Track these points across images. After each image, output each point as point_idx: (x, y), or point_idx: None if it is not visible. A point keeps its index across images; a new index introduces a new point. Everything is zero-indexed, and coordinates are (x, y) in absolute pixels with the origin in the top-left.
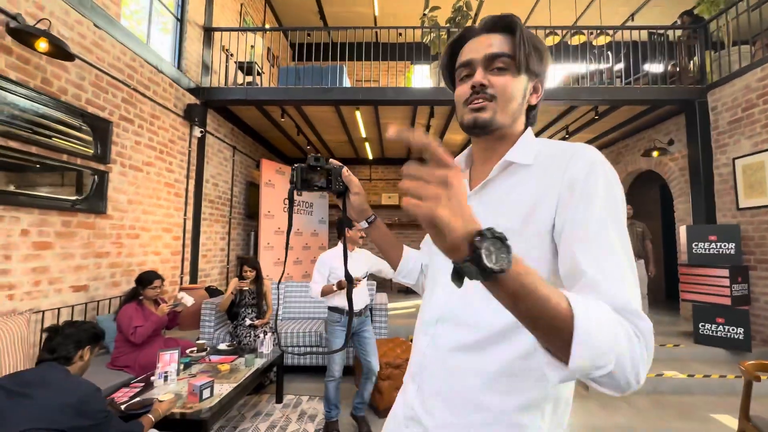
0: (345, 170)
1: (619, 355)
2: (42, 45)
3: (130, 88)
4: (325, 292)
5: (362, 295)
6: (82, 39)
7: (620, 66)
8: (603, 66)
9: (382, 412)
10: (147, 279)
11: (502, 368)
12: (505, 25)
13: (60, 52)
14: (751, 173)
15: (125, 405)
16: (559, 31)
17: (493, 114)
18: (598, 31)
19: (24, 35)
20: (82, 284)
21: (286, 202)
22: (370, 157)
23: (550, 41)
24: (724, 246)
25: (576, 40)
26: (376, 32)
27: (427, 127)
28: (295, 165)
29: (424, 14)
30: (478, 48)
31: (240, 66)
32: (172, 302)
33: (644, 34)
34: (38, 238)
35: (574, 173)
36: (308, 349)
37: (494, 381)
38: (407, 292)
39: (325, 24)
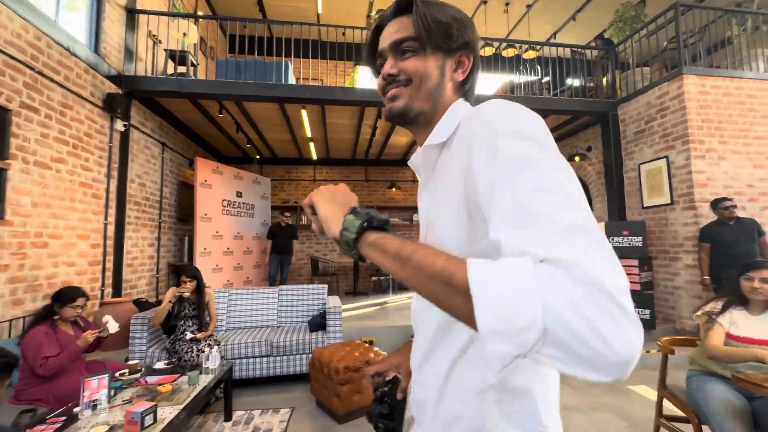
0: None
1: (551, 303)
2: None
3: (34, 71)
4: None
5: None
6: None
7: (547, 78)
8: (533, 78)
9: (342, 417)
10: (68, 296)
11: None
12: (406, 5)
13: None
14: (652, 177)
15: None
16: (494, 43)
17: (407, 100)
18: (527, 46)
19: None
20: None
21: (224, 204)
22: (315, 157)
23: (488, 51)
24: (634, 239)
25: (509, 53)
26: (319, 30)
27: (374, 128)
28: None
29: (369, 15)
30: (386, 36)
31: (171, 55)
32: (98, 330)
33: (568, 51)
34: None
35: (471, 136)
36: (265, 360)
37: (451, 376)
38: (354, 293)
39: (264, 16)
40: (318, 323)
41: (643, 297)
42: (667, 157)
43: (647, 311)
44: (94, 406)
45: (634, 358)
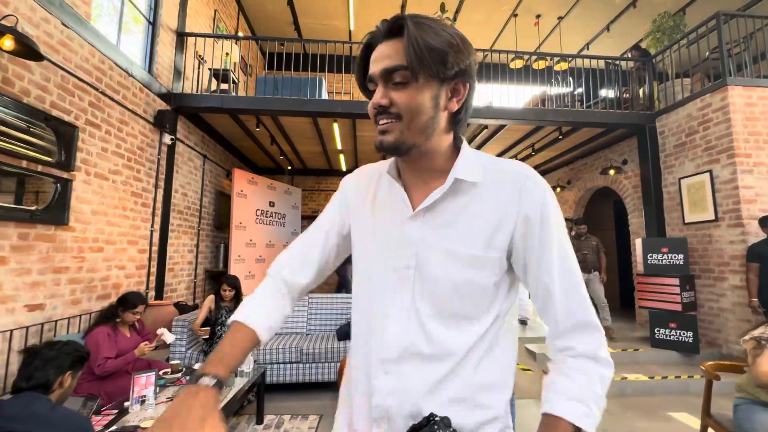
0: None
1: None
2: (7, 43)
3: (98, 92)
4: None
5: None
6: (48, 38)
7: (580, 90)
8: (565, 90)
9: None
10: (131, 302)
11: (471, 384)
12: (398, 29)
13: (27, 51)
14: (694, 191)
15: None
16: (524, 56)
17: (399, 135)
18: (558, 58)
19: None
20: (38, 303)
21: (258, 213)
22: (344, 168)
23: (519, 64)
24: (675, 257)
25: (540, 65)
26: (351, 47)
27: None
28: None
29: None
30: (377, 59)
31: (215, 74)
32: (155, 343)
33: (601, 62)
34: None
35: (528, 207)
36: (295, 366)
37: (467, 399)
38: None
39: (299, 35)
40: (345, 332)
41: (684, 318)
42: (710, 171)
43: (689, 333)
44: (142, 401)
45: None
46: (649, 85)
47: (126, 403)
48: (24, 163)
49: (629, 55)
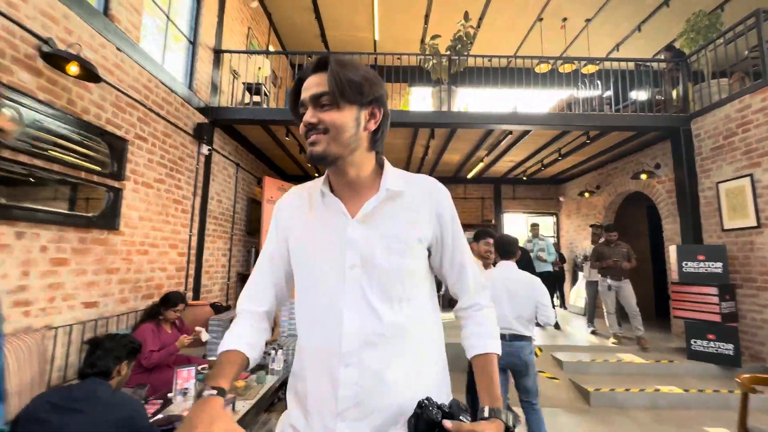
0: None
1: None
2: (73, 69)
3: (145, 108)
4: None
5: None
6: (104, 61)
7: (609, 93)
8: (593, 93)
9: None
10: (172, 300)
11: (416, 353)
12: (322, 65)
13: (88, 74)
14: (733, 197)
15: (151, 421)
16: (550, 60)
17: (325, 146)
18: (586, 61)
19: (56, 59)
20: (93, 300)
21: None
22: None
23: (544, 68)
24: (712, 265)
25: (567, 68)
26: (376, 57)
27: (427, 148)
28: None
29: (423, 41)
30: (307, 88)
31: (248, 87)
32: (193, 337)
33: (631, 63)
34: (56, 255)
35: (440, 208)
36: None
37: (420, 369)
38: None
39: (326, 47)
40: None
41: (724, 330)
42: (751, 175)
43: (730, 346)
44: (184, 393)
45: None
46: (683, 86)
47: (169, 395)
48: (83, 174)
49: (662, 56)
